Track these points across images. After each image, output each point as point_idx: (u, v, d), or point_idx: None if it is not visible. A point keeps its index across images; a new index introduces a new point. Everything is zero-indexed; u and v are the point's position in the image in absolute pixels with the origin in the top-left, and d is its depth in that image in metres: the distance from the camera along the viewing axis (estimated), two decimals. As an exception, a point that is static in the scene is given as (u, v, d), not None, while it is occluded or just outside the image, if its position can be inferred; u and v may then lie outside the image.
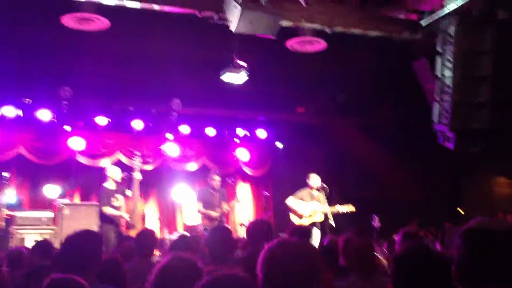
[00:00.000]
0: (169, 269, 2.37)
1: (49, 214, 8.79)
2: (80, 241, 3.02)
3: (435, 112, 6.35)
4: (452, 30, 6.19)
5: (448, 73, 6.14)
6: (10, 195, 8.82)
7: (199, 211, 9.01)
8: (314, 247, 2.47)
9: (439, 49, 6.36)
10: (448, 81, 6.11)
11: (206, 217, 8.89)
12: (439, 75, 6.32)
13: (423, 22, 6.82)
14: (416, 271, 2.03)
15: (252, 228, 4.07)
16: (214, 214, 8.84)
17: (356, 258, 3.93)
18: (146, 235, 4.77)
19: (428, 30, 6.84)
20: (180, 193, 10.84)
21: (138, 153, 9.15)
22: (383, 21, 7.43)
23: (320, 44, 8.45)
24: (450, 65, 6.12)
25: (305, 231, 4.24)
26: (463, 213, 11.92)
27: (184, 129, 10.78)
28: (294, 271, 1.99)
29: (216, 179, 9.06)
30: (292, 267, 2.00)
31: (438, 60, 6.34)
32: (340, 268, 4.65)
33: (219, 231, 4.15)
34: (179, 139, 10.95)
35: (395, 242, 5.02)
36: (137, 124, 10.34)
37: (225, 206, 8.98)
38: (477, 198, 12.43)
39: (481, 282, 1.71)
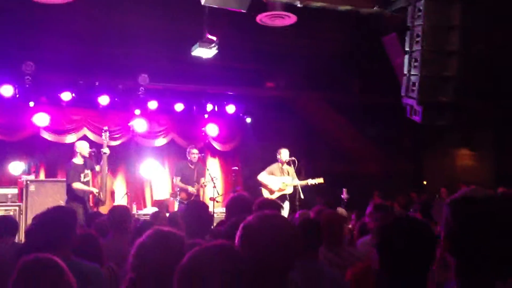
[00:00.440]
0: (151, 243, 2.35)
1: (14, 190, 8.65)
2: (55, 217, 2.97)
3: (403, 86, 6.45)
4: (421, 4, 6.25)
5: (416, 48, 6.21)
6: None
7: (176, 185, 9.04)
8: (288, 220, 2.49)
9: (408, 23, 6.41)
10: (416, 56, 6.19)
11: (183, 191, 8.92)
12: (408, 50, 6.39)
13: (393, -3, 6.85)
14: (403, 240, 2.03)
15: (232, 202, 4.06)
16: (191, 189, 8.90)
17: (324, 230, 4.01)
18: (121, 210, 4.74)
19: (398, 5, 6.88)
20: (149, 168, 10.77)
21: (106, 128, 9.05)
22: (352, -4, 7.42)
23: (290, 18, 8.41)
24: (418, 40, 6.19)
25: (275, 204, 4.24)
26: (425, 183, 12.28)
27: (152, 104, 10.64)
28: (273, 244, 2.01)
29: (194, 153, 9.06)
30: (271, 240, 2.01)
31: (408, 35, 6.41)
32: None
33: (196, 205, 4.12)
34: (147, 114, 10.83)
35: (365, 213, 5.13)
36: (103, 100, 10.15)
37: (202, 180, 9.03)
38: (439, 170, 12.79)
39: (470, 250, 1.77)
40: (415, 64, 6.18)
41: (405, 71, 6.41)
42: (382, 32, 8.16)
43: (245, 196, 4.27)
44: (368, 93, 11.55)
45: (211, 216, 4.15)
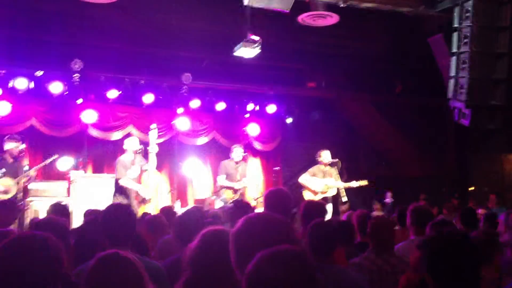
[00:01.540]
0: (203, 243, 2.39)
1: (63, 184, 8.91)
2: (117, 215, 3.05)
3: (450, 88, 6.33)
4: (469, 5, 6.12)
5: (464, 49, 6.09)
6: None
7: (221, 184, 9.08)
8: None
9: (456, 24, 6.29)
10: (465, 57, 6.07)
11: (229, 189, 8.96)
12: (456, 51, 6.27)
13: (440, -3, 6.74)
14: (448, 254, 2.05)
15: (270, 196, 4.00)
16: (237, 186, 8.92)
17: (371, 235, 3.99)
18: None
19: (444, 5, 6.76)
20: (191, 167, 10.91)
21: (154, 126, 9.13)
22: (397, -5, 7.34)
23: (332, 18, 8.38)
24: (466, 41, 6.07)
25: (321, 207, 4.23)
26: (472, 189, 11.96)
27: (195, 103, 10.77)
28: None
29: (239, 152, 9.08)
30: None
31: (455, 36, 6.28)
32: (357, 244, 4.73)
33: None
34: (190, 113, 10.96)
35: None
36: (148, 98, 10.32)
37: (244, 181, 9.05)
38: (486, 175, 12.45)
39: None
40: (463, 66, 6.05)
41: (452, 73, 6.29)
42: (427, 33, 8.04)
43: (283, 191, 4.18)
44: (412, 94, 11.37)
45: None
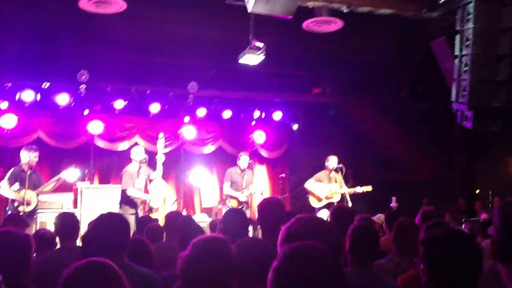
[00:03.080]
0: (197, 251, 2.35)
1: (70, 196, 8.95)
2: (110, 223, 3.06)
3: (453, 91, 6.29)
4: (470, 7, 6.09)
5: (467, 52, 6.06)
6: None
7: (226, 192, 9.08)
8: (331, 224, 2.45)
9: (458, 27, 6.26)
10: (467, 60, 6.03)
11: (233, 198, 8.96)
12: (458, 54, 6.24)
13: (441, 0, 6.70)
14: (448, 253, 2.03)
15: (264, 206, 4.02)
16: (241, 197, 8.90)
17: (396, 237, 3.99)
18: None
19: (447, 8, 6.73)
20: (198, 175, 10.93)
21: (161, 135, 9.20)
22: (400, 0, 7.33)
23: (336, 24, 8.38)
24: (468, 44, 6.03)
25: (350, 214, 4.30)
26: (478, 191, 11.85)
27: (201, 111, 10.82)
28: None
29: (245, 160, 9.07)
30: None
31: (457, 38, 6.25)
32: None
33: (234, 213, 4.22)
34: (196, 121, 11.01)
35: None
36: (154, 107, 10.39)
37: (251, 189, 9.03)
38: (491, 178, 12.33)
39: None
40: (466, 68, 6.01)
41: (455, 76, 6.25)
42: (430, 36, 8.00)
43: (277, 200, 4.26)
44: (417, 99, 11.32)
45: (248, 221, 4.12)
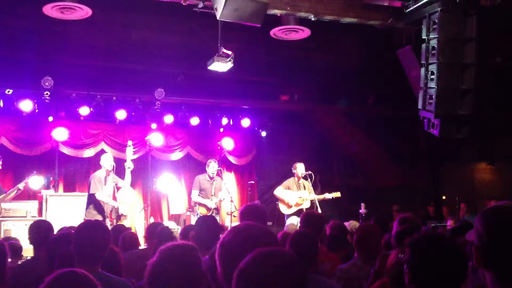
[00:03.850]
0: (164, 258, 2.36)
1: (34, 204, 8.76)
2: (92, 232, 3.02)
3: (420, 99, 6.44)
4: (436, 17, 6.26)
5: (432, 60, 6.21)
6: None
7: (195, 201, 9.02)
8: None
9: (424, 36, 6.42)
10: (433, 68, 6.18)
11: (202, 206, 8.91)
12: (424, 62, 6.39)
13: (407, 9, 6.85)
14: (432, 257, 2.06)
15: (246, 211, 4.07)
16: (210, 204, 8.86)
17: (358, 242, 4.06)
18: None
19: (412, 18, 6.89)
20: (165, 182, 10.83)
21: (130, 143, 9.11)
22: (366, 8, 7.45)
23: (304, 32, 8.48)
24: (434, 52, 6.19)
25: (319, 219, 4.41)
26: (444, 197, 12.12)
27: (168, 118, 10.73)
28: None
29: (214, 167, 9.03)
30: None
31: (423, 47, 6.40)
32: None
33: (206, 220, 4.25)
34: (163, 128, 10.91)
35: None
36: (121, 114, 10.24)
37: (220, 195, 9.00)
38: (457, 184, 12.64)
39: (500, 261, 1.69)
40: (432, 77, 6.17)
41: (422, 84, 6.40)
42: (396, 45, 8.17)
43: (259, 206, 4.33)
44: (384, 106, 11.52)
45: (220, 229, 4.16)
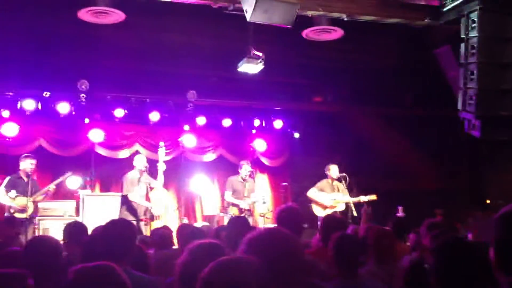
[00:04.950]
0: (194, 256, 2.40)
1: (72, 204, 8.95)
2: (119, 229, 3.06)
3: (460, 99, 6.26)
4: (475, 15, 6.09)
5: (472, 60, 6.04)
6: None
7: (227, 201, 9.06)
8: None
9: (462, 35, 6.25)
10: (473, 68, 6.01)
11: (235, 206, 8.95)
12: (463, 62, 6.22)
13: (445, 8, 6.70)
14: (454, 262, 2.05)
15: (281, 216, 4.06)
16: (243, 205, 8.87)
17: (372, 246, 4.01)
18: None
19: (450, 16, 6.72)
20: (198, 183, 10.88)
21: (162, 144, 9.21)
22: (402, 8, 7.32)
23: (336, 33, 8.38)
24: (474, 52, 6.02)
25: (341, 221, 4.34)
26: (488, 202, 11.75)
27: (201, 120, 10.79)
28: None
29: (245, 169, 9.05)
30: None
31: (462, 47, 6.23)
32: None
33: (237, 220, 4.25)
34: (196, 130, 10.96)
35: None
36: (154, 116, 10.38)
37: (253, 197, 9.01)
38: (501, 187, 12.22)
39: None
40: (472, 77, 5.99)
41: (461, 85, 6.22)
42: (434, 45, 7.99)
43: (294, 209, 4.26)
44: (422, 106, 11.28)
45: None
